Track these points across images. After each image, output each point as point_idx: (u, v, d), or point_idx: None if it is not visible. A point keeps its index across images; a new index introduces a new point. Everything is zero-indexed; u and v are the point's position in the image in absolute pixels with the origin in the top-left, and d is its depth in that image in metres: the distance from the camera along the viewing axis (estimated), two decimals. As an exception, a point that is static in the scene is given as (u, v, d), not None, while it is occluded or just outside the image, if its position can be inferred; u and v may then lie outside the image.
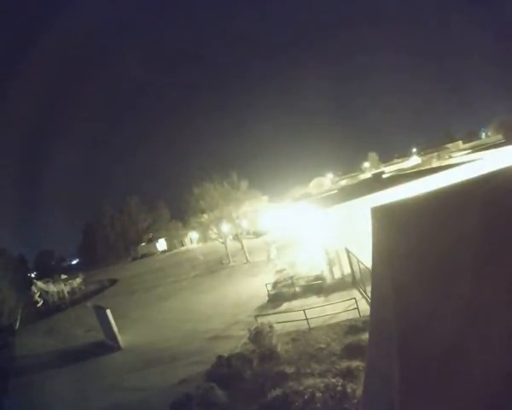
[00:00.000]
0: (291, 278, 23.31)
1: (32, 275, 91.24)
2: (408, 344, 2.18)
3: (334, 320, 15.74)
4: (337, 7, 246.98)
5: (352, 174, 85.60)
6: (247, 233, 48.70)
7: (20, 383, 20.48)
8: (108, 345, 22.34)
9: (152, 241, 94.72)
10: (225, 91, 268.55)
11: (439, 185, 2.66)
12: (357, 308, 15.26)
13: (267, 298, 22.26)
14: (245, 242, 40.55)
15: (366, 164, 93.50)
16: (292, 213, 37.71)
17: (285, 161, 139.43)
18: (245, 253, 38.88)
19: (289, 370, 12.57)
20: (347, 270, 20.49)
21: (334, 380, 10.77)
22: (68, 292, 51.64)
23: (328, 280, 20.99)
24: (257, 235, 52.94)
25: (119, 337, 21.68)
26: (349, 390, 10.11)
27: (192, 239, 79.81)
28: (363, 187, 33.69)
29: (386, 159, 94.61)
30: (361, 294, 17.54)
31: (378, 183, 32.70)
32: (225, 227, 40.71)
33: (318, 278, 21.84)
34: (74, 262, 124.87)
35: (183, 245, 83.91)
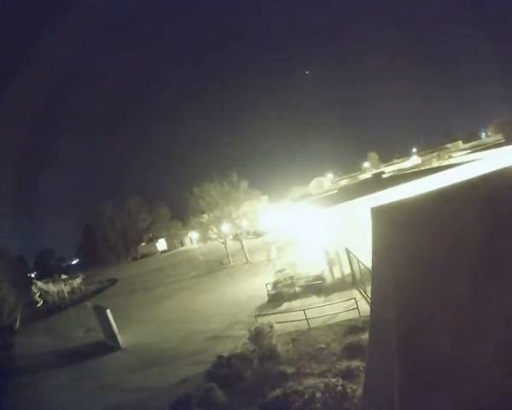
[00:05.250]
0: (291, 278, 23.30)
1: (32, 275, 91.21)
2: (408, 344, 2.18)
3: (334, 320, 15.74)
4: (338, 8, 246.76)
5: (352, 174, 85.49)
6: (247, 233, 48.63)
7: (20, 383, 20.48)
8: (108, 345, 22.33)
9: (152, 241, 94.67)
10: (225, 91, 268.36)
11: (439, 185, 2.66)
12: (357, 308, 15.26)
13: (267, 298, 22.26)
14: (245, 242, 40.54)
15: (366, 164, 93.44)
16: (292, 213, 37.69)
17: (285, 161, 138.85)
18: (245, 253, 38.87)
19: (289, 370, 12.57)
20: (347, 270, 20.49)
21: (334, 380, 10.78)
22: (68, 292, 51.53)
23: (328, 280, 20.99)
24: (257, 235, 52.91)
25: (119, 337, 21.66)
26: (349, 390, 10.11)
27: (192, 239, 79.71)
28: (363, 187, 33.70)
29: (386, 159, 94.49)
30: (361, 294, 17.54)
31: (378, 183, 32.73)
32: (225, 227, 40.70)
33: (318, 278, 21.83)
34: (74, 262, 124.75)
35: (183, 245, 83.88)
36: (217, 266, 41.89)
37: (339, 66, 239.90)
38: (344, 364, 11.76)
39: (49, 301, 50.68)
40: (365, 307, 14.80)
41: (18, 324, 40.05)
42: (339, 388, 10.33)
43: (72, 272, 79.66)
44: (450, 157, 55.01)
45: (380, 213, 2.68)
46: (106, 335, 23.37)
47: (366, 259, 14.48)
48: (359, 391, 9.52)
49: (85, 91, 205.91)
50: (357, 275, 18.85)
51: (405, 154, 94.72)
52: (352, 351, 12.32)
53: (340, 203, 22.91)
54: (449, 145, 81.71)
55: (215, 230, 41.01)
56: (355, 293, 17.79)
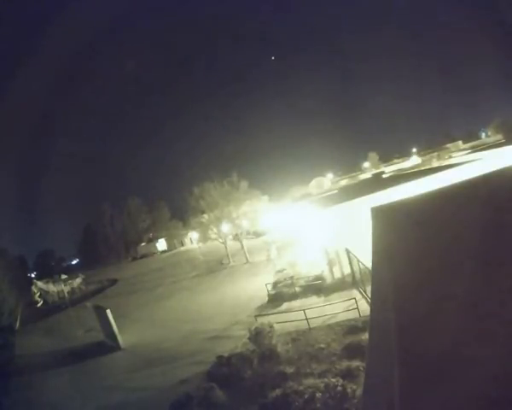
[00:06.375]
0: (291, 278, 23.30)
1: (32, 275, 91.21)
2: (408, 344, 2.18)
3: (334, 320, 15.74)
4: (338, 9, 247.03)
5: (352, 174, 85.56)
6: (247, 233, 48.64)
7: (20, 383, 20.48)
8: (108, 345, 22.33)
9: (152, 241, 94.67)
10: (226, 92, 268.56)
11: (439, 185, 2.66)
12: (357, 308, 15.26)
13: (267, 298, 22.26)
14: (245, 242, 40.54)
15: (366, 164, 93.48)
16: (292, 213, 37.69)
17: (285, 161, 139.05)
18: (245, 253, 38.87)
19: (289, 370, 12.57)
20: (347, 270, 20.49)
21: (334, 380, 10.77)
22: (68, 292, 51.54)
23: (328, 280, 20.98)
24: (257, 235, 52.91)
25: (119, 337, 21.66)
26: (349, 390, 10.11)
27: (192, 239, 79.70)
28: (363, 187, 33.71)
29: (386, 159, 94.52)
30: (361, 294, 17.54)
31: (378, 183, 32.73)
32: (225, 227, 40.70)
33: (318, 278, 21.82)
34: (74, 262, 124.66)
35: (183, 245, 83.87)
36: (217, 266, 41.89)
37: (339, 66, 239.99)
38: (344, 364, 11.76)
39: (49, 301, 50.68)
40: (365, 307, 14.80)
41: (18, 324, 40.04)
42: (339, 388, 10.33)
43: (72, 272, 79.65)
44: (450, 157, 55.09)
45: (380, 213, 2.68)
46: (106, 335, 23.36)
47: (366, 259, 14.48)
48: (359, 391, 9.52)
49: (86, 92, 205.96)
50: (357, 275, 18.85)
51: (405, 154, 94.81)
52: (352, 351, 12.32)
53: (340, 203, 22.91)
54: (449, 145, 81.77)
55: (215, 230, 41.01)
56: (355, 293, 17.79)
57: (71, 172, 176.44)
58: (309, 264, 25.30)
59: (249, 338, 15.16)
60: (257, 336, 14.63)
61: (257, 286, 25.37)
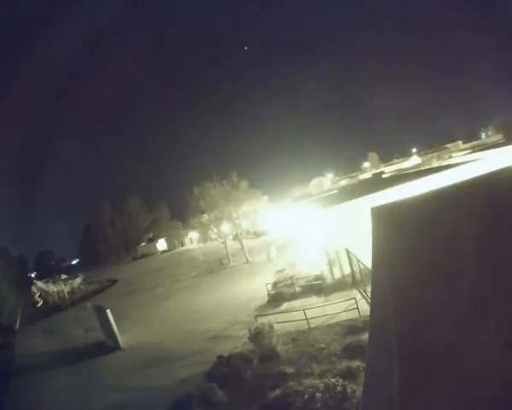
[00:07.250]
0: (291, 278, 23.30)
1: (32, 275, 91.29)
2: (408, 344, 2.18)
3: (334, 320, 15.73)
4: (338, 9, 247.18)
5: (352, 174, 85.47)
6: (247, 233, 48.66)
7: (20, 383, 20.48)
8: (108, 345, 22.33)
9: (152, 241, 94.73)
10: (225, 91, 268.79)
11: (439, 185, 2.65)
12: (357, 308, 15.25)
13: (267, 298, 22.26)
14: (245, 242, 40.55)
15: (366, 164, 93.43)
16: (292, 213, 37.69)
17: (285, 161, 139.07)
18: (245, 253, 38.88)
19: (289, 370, 12.57)
20: (347, 270, 20.48)
21: (334, 380, 10.77)
22: (68, 292, 51.53)
23: (328, 280, 20.98)
24: (257, 235, 52.93)
25: (119, 337, 21.67)
26: (349, 390, 10.11)
27: (192, 239, 79.75)
28: (363, 187, 33.69)
29: (386, 159, 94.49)
30: (361, 294, 17.54)
31: (378, 183, 32.70)
32: (225, 227, 40.71)
33: (318, 278, 21.82)
34: (74, 262, 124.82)
35: (183, 245, 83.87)
36: (217, 266, 41.89)
37: (339, 66, 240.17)
38: (344, 364, 11.75)
39: (49, 301, 50.67)
40: (365, 307, 14.80)
41: (18, 324, 40.05)
42: (339, 388, 10.33)
43: (72, 272, 79.63)
44: (450, 157, 55.02)
45: (380, 213, 2.68)
46: (106, 335, 23.37)
47: (366, 259, 14.48)
48: (359, 391, 9.52)
49: (86, 93, 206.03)
50: (357, 275, 18.85)
51: (405, 154, 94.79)
52: (351, 351, 12.31)
53: (340, 203, 22.90)
54: (449, 145, 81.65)
55: (215, 230, 41.03)
56: (355, 293, 17.79)
57: (71, 172, 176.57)
58: (309, 264, 25.30)
59: (249, 338, 15.16)
60: (257, 336, 14.63)
61: (257, 286, 25.38)
